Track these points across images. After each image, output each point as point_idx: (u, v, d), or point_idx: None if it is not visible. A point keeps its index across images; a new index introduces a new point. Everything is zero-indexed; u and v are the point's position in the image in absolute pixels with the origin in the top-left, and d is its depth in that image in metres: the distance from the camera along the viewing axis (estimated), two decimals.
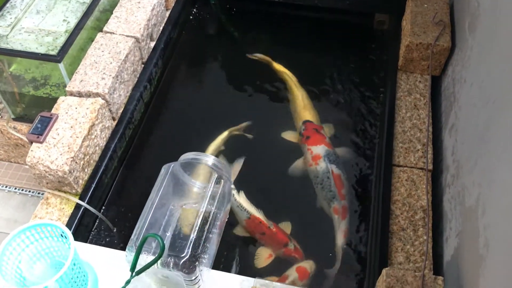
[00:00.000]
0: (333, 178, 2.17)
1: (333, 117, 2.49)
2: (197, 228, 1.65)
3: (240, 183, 2.22)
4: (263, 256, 2.08)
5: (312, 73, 2.72)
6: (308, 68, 2.74)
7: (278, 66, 2.68)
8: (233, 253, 2.07)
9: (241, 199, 2.16)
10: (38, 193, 2.68)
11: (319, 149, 2.26)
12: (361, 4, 2.78)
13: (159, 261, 1.53)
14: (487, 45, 1.84)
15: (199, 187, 1.94)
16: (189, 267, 1.59)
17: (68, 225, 1.98)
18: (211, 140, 2.36)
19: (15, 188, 2.67)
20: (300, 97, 2.50)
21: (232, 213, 2.14)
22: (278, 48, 2.88)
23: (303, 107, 2.45)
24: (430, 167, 2.12)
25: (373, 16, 2.88)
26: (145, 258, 1.60)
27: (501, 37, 1.70)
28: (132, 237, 1.66)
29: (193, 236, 1.62)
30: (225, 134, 2.40)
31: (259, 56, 2.74)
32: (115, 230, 2.11)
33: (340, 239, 2.07)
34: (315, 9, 2.91)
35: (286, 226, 2.13)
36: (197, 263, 1.60)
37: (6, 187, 2.66)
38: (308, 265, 2.04)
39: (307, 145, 2.31)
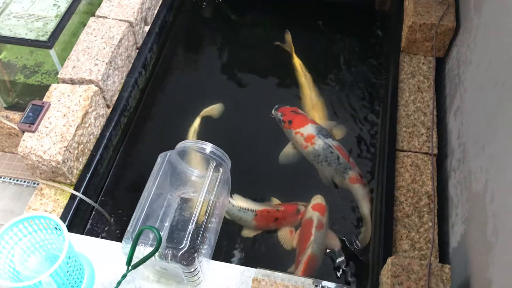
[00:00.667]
0: (337, 150, 2.14)
1: (334, 101, 2.42)
2: (195, 218, 1.59)
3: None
4: (287, 237, 2.02)
5: (312, 56, 2.64)
6: (308, 51, 2.66)
7: (296, 61, 2.55)
8: (234, 243, 2.01)
9: (239, 202, 2.08)
10: (34, 183, 2.62)
11: (309, 129, 2.22)
12: None
13: (156, 253, 1.48)
14: (494, 25, 1.77)
15: (197, 175, 1.88)
16: (188, 258, 1.54)
17: (63, 216, 1.93)
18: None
19: (10, 179, 2.61)
20: (310, 97, 2.40)
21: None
22: (276, 31, 2.80)
23: (312, 107, 2.36)
24: (435, 151, 2.06)
25: None
26: (142, 250, 1.55)
27: (510, 16, 1.62)
28: (128, 228, 1.61)
29: (191, 227, 1.56)
30: (197, 119, 2.34)
31: (283, 44, 2.63)
32: (112, 220, 2.06)
33: (366, 207, 2.04)
34: None
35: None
36: (196, 254, 1.54)
37: (0, 177, 2.60)
38: (319, 199, 2.05)
39: (293, 129, 2.24)
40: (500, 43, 1.66)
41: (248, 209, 2.05)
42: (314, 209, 2.03)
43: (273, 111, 2.37)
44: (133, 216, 1.63)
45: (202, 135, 2.26)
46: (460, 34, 2.21)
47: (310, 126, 2.23)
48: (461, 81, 2.05)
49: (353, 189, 2.08)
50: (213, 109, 2.40)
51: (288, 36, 2.63)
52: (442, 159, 2.10)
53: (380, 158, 2.14)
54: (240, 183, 1.96)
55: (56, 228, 1.62)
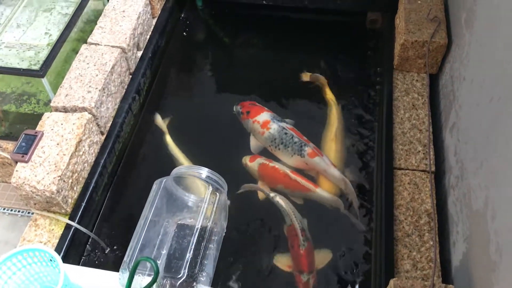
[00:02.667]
0: (291, 130, 2.23)
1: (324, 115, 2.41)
2: (193, 246, 1.57)
3: None
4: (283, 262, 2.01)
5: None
6: (299, 72, 2.65)
7: (329, 92, 2.47)
8: (232, 269, 1.98)
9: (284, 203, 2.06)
10: (28, 213, 2.58)
11: (264, 116, 2.30)
12: (352, 3, 2.70)
13: (154, 284, 1.45)
14: (487, 41, 1.77)
15: (194, 200, 1.86)
16: (187, 287, 1.51)
17: (59, 246, 1.89)
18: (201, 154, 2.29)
19: (4, 209, 2.57)
20: (334, 129, 2.30)
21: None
22: (267, 52, 2.81)
23: (332, 138, 2.27)
24: (433, 169, 2.05)
25: (365, 15, 2.80)
26: (139, 281, 1.52)
27: (503, 32, 1.63)
28: (125, 258, 1.58)
29: (189, 255, 1.54)
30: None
31: (314, 76, 2.55)
32: (108, 249, 2.02)
33: (334, 171, 2.13)
34: (305, 11, 2.84)
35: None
36: (194, 283, 1.51)
37: None
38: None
39: (250, 119, 2.33)
40: (493, 59, 1.66)
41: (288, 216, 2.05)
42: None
43: (234, 107, 2.45)
44: (130, 245, 1.61)
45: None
46: (452, 50, 2.21)
47: (265, 114, 2.32)
48: (455, 98, 2.05)
49: (315, 163, 2.14)
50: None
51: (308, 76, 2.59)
52: (440, 176, 2.08)
53: (378, 177, 2.12)
54: None
55: (51, 260, 1.59)
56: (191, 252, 1.54)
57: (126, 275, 1.54)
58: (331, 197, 2.09)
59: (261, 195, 2.14)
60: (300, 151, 2.16)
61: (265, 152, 2.29)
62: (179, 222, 1.84)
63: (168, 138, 2.34)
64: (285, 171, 2.15)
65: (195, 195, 1.84)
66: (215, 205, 1.72)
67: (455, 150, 1.96)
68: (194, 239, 1.58)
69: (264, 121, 2.27)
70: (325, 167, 2.13)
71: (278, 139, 2.21)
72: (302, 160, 2.16)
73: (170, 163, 2.22)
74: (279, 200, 2.06)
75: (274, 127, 2.23)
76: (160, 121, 2.41)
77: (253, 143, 2.32)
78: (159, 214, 1.74)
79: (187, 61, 2.81)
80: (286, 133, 2.20)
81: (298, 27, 2.90)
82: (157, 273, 1.32)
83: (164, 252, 1.76)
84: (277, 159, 2.23)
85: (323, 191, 2.10)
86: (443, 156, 2.10)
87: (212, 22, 2.95)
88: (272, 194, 2.08)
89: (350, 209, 2.09)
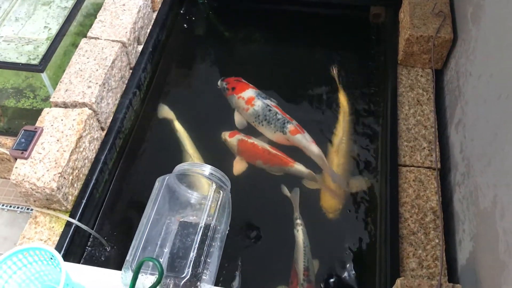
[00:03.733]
0: (274, 108, 2.27)
1: (332, 118, 2.38)
2: (196, 245, 1.54)
3: None
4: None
5: (306, 72, 2.60)
6: (302, 67, 2.62)
7: (342, 96, 2.42)
8: (236, 267, 1.95)
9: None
10: (27, 209, 2.55)
11: (249, 93, 2.35)
12: None
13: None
14: (494, 37, 1.74)
15: (197, 198, 1.84)
16: (190, 287, 1.48)
17: (59, 244, 1.86)
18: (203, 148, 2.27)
19: (3, 205, 2.54)
20: (338, 140, 2.25)
21: None
22: (268, 45, 2.77)
23: (335, 150, 2.23)
24: (438, 165, 2.02)
25: (368, 9, 2.77)
26: (142, 280, 1.50)
27: (510, 28, 1.60)
28: (127, 257, 1.55)
29: (193, 254, 1.51)
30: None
31: (333, 74, 2.50)
32: (109, 247, 1.99)
33: (315, 148, 2.16)
34: (309, 4, 2.80)
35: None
36: (198, 282, 1.49)
37: None
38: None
39: (235, 95, 2.37)
40: (502, 55, 1.63)
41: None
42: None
43: (218, 82, 2.49)
44: (132, 244, 1.58)
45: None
46: (458, 45, 2.18)
47: (250, 90, 2.36)
48: (461, 93, 2.02)
49: (296, 140, 2.19)
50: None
51: (334, 71, 2.52)
52: (445, 173, 2.06)
53: (382, 174, 2.10)
54: None
55: (51, 258, 1.56)
56: (195, 251, 1.52)
57: (129, 274, 1.52)
58: (307, 171, 2.14)
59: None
60: (283, 128, 2.21)
61: (249, 128, 2.33)
62: (181, 219, 1.82)
63: (177, 124, 2.33)
64: (264, 146, 2.20)
65: (198, 193, 1.81)
66: (219, 203, 1.69)
67: (461, 147, 1.93)
68: (197, 238, 1.55)
69: (248, 98, 2.32)
70: (305, 144, 2.18)
71: (261, 116, 2.26)
72: (284, 136, 2.22)
73: (172, 159, 2.19)
74: (299, 230, 1.99)
75: (258, 103, 2.28)
76: (167, 109, 2.40)
77: (237, 118, 2.36)
78: (161, 212, 1.71)
79: (187, 55, 2.77)
80: (270, 110, 2.25)
81: (301, 21, 2.86)
82: (161, 274, 1.29)
83: (167, 250, 1.73)
84: (260, 134, 2.28)
85: (300, 165, 2.15)
86: (448, 153, 2.08)
87: (213, 16, 2.91)
88: (298, 221, 2.01)
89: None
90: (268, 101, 2.30)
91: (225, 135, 2.29)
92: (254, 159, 2.21)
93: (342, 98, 2.40)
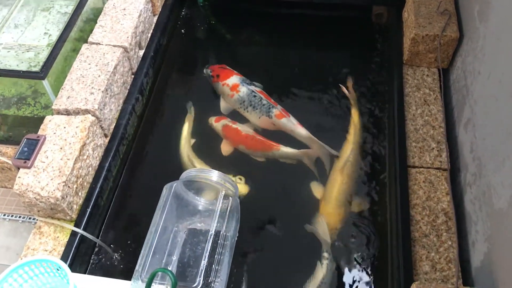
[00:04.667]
0: (260, 93, 2.30)
1: (338, 119, 2.34)
2: (207, 253, 1.51)
3: None
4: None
5: (310, 74, 2.57)
6: (304, 69, 2.59)
7: (355, 113, 2.30)
8: (245, 274, 1.91)
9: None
10: (30, 218, 2.51)
11: (233, 79, 2.38)
12: None
13: None
14: (505, 34, 1.72)
15: (205, 204, 1.81)
16: None
17: (65, 254, 1.82)
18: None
19: (4, 215, 2.50)
20: (344, 159, 2.12)
21: None
22: (270, 48, 2.74)
23: (339, 169, 2.10)
24: (448, 166, 2.00)
25: (371, 9, 2.74)
26: None
27: None
28: (137, 267, 1.52)
29: (204, 262, 1.48)
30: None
31: (347, 92, 2.39)
32: (115, 255, 1.95)
33: (303, 130, 2.20)
34: (310, 6, 2.77)
35: None
36: None
37: None
38: None
39: (220, 82, 2.40)
40: None
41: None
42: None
43: (204, 70, 2.51)
44: (141, 253, 1.55)
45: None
46: (464, 44, 2.16)
47: (235, 77, 2.39)
48: (469, 92, 2.00)
49: (282, 124, 2.23)
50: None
51: (350, 83, 2.43)
52: (454, 174, 2.03)
53: (391, 176, 2.07)
54: None
55: (58, 269, 1.53)
56: (206, 259, 1.49)
57: (139, 284, 1.48)
58: (295, 152, 2.15)
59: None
60: (268, 113, 2.25)
61: (234, 113, 2.36)
62: (189, 226, 1.78)
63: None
64: (248, 132, 2.23)
65: (206, 199, 1.78)
66: (228, 209, 1.66)
67: (471, 146, 1.90)
68: (208, 246, 1.52)
69: (233, 84, 2.35)
70: (292, 127, 2.22)
71: (247, 102, 2.30)
72: (270, 121, 2.26)
73: (177, 164, 2.16)
74: (323, 265, 1.90)
75: (243, 90, 2.32)
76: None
77: (223, 104, 2.40)
78: (169, 219, 1.68)
79: (189, 59, 2.74)
80: (255, 96, 2.29)
81: (302, 23, 2.83)
82: (174, 286, 1.26)
83: (175, 258, 1.71)
84: (245, 120, 2.31)
85: (286, 148, 2.16)
86: (457, 153, 2.05)
87: (214, 19, 2.88)
88: (325, 254, 1.92)
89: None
90: (252, 87, 2.34)
91: (212, 119, 2.34)
92: (237, 144, 2.24)
93: (355, 116, 2.29)
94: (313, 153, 2.17)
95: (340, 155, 2.14)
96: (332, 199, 2.04)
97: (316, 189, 2.10)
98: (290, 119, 2.23)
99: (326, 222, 2.00)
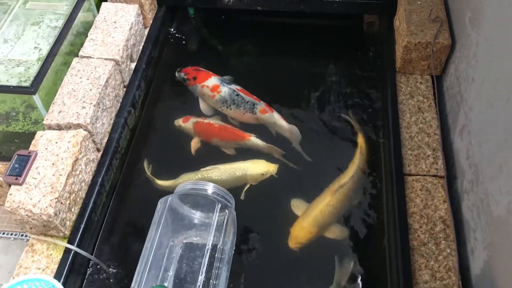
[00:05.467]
0: (241, 92, 2.34)
1: (332, 130, 2.33)
2: (204, 268, 1.48)
3: None
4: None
5: (302, 85, 2.55)
6: (297, 80, 2.58)
7: (361, 141, 2.22)
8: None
9: None
10: (22, 235, 2.47)
11: (212, 81, 2.40)
12: (350, 6, 2.63)
13: None
14: (497, 40, 1.72)
15: (201, 218, 1.78)
16: None
17: (58, 272, 1.79)
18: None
19: None
20: (339, 183, 2.05)
21: None
22: (263, 59, 2.73)
23: (332, 191, 2.03)
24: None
25: (362, 18, 2.75)
26: None
27: None
28: (132, 284, 1.49)
29: (201, 278, 1.45)
30: None
31: (350, 119, 2.33)
32: (110, 273, 1.91)
33: (284, 123, 2.27)
34: (302, 16, 2.77)
35: None
36: None
37: None
38: None
39: (198, 84, 2.42)
40: (508, 58, 1.60)
41: None
42: None
43: (176, 74, 2.50)
44: (137, 270, 1.52)
45: None
46: (457, 51, 2.16)
47: (213, 78, 2.41)
48: (463, 99, 1.99)
49: (266, 118, 2.30)
50: None
51: (351, 115, 2.34)
52: (450, 181, 2.02)
53: (388, 184, 2.05)
54: None
55: None
56: (203, 274, 1.46)
57: None
58: (264, 144, 2.21)
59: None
60: (252, 109, 2.31)
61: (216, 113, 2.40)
62: (185, 241, 1.76)
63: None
64: (220, 124, 2.28)
65: (202, 213, 1.75)
66: (225, 223, 1.63)
67: (467, 153, 1.90)
68: (205, 260, 1.49)
69: (213, 86, 2.37)
70: (274, 120, 2.29)
71: (229, 101, 2.33)
72: (254, 116, 2.32)
73: (171, 178, 2.13)
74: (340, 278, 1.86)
75: (224, 90, 2.35)
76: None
77: (203, 106, 2.42)
78: (165, 234, 1.65)
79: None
80: (237, 95, 2.33)
81: (293, 32, 2.83)
82: None
83: (171, 274, 1.68)
84: (225, 119, 2.35)
85: (257, 139, 2.22)
86: (453, 159, 2.04)
87: (205, 30, 2.87)
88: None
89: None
90: (233, 86, 2.37)
91: (178, 122, 2.34)
92: (211, 137, 2.28)
93: (361, 144, 2.20)
94: (279, 151, 2.22)
95: (338, 178, 2.08)
96: (311, 215, 1.97)
97: (296, 206, 2.04)
98: (273, 113, 2.30)
99: (295, 235, 1.93)
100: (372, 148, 2.22)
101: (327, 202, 2.00)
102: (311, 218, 1.97)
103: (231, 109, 2.34)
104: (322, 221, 1.96)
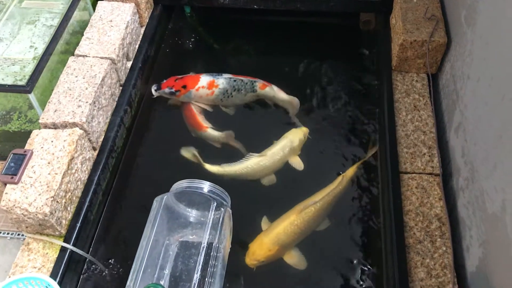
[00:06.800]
0: (237, 77, 2.38)
1: (329, 128, 2.33)
2: (200, 266, 1.48)
3: None
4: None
5: (299, 82, 2.55)
6: (294, 77, 2.58)
7: (351, 169, 2.13)
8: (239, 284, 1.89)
9: None
10: (18, 235, 2.46)
11: (205, 79, 2.37)
12: (346, 4, 2.63)
13: None
14: (492, 38, 1.72)
15: (197, 216, 1.78)
16: None
17: (54, 271, 1.79)
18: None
19: None
20: (308, 203, 1.98)
21: None
22: (259, 57, 2.73)
23: (299, 209, 1.95)
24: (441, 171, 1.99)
25: (358, 16, 2.75)
26: None
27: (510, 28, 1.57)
28: (128, 282, 1.49)
29: (196, 276, 1.45)
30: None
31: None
32: (106, 271, 1.91)
33: (283, 95, 2.37)
34: (298, 14, 2.77)
35: None
36: None
37: None
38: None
39: (192, 89, 2.35)
40: (503, 56, 1.61)
41: None
42: None
43: (154, 91, 2.36)
44: (133, 268, 1.52)
45: None
46: (452, 49, 2.16)
47: (203, 77, 2.37)
48: (459, 97, 2.00)
49: (266, 92, 2.38)
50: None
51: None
52: (446, 179, 2.03)
53: (384, 182, 2.05)
54: None
55: (47, 287, 1.50)
56: (199, 272, 1.46)
57: None
58: (219, 135, 2.26)
59: None
60: (252, 88, 2.36)
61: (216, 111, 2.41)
62: (181, 239, 1.76)
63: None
64: (193, 109, 2.34)
65: (198, 211, 1.75)
66: (220, 221, 1.63)
67: (463, 151, 1.90)
68: (201, 258, 1.49)
69: (208, 83, 2.35)
70: (274, 93, 2.38)
71: (230, 89, 2.35)
72: (254, 95, 2.39)
73: (167, 176, 2.12)
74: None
75: (221, 81, 2.35)
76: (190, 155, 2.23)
77: (200, 108, 2.39)
78: (160, 232, 1.65)
79: (177, 70, 2.71)
80: (235, 81, 2.35)
81: (290, 31, 2.83)
82: None
83: (167, 272, 1.68)
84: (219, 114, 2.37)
85: (213, 130, 2.27)
86: (449, 157, 2.04)
87: (202, 29, 2.87)
88: None
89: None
90: (225, 74, 2.38)
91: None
92: (185, 114, 2.37)
93: (349, 171, 2.12)
94: (232, 137, 2.26)
95: (310, 198, 2.00)
96: (273, 231, 1.89)
97: (265, 222, 1.99)
98: (272, 87, 2.38)
99: (253, 251, 1.85)
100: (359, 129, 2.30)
101: (291, 220, 1.90)
102: (273, 235, 1.87)
103: (232, 96, 2.35)
104: (284, 239, 1.87)
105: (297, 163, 2.17)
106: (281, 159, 2.14)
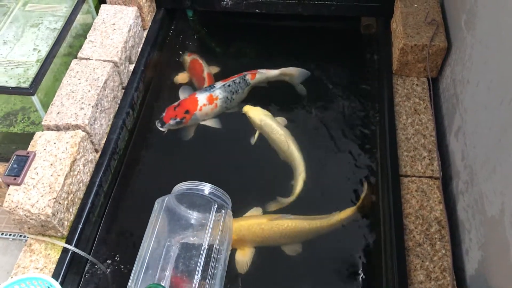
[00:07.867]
0: (227, 81, 2.42)
1: (329, 131, 2.35)
2: (200, 267, 1.49)
3: None
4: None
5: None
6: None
7: (344, 213, 2.02)
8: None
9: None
10: (20, 236, 2.49)
11: (203, 96, 2.37)
12: (347, 9, 2.65)
13: None
14: (492, 42, 1.73)
15: (198, 218, 1.79)
16: None
17: (56, 272, 1.80)
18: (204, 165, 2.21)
19: None
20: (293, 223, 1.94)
21: None
22: (261, 61, 2.74)
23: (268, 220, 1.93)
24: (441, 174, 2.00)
25: (359, 20, 2.77)
26: None
27: (510, 33, 1.59)
28: (129, 283, 1.51)
29: (197, 277, 1.46)
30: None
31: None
32: (108, 272, 1.93)
33: (274, 71, 2.47)
34: (299, 18, 2.79)
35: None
36: None
37: None
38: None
39: (196, 111, 2.34)
40: (502, 60, 1.62)
41: None
42: None
43: (160, 128, 2.33)
44: (134, 269, 1.53)
45: None
46: (452, 53, 2.17)
47: (200, 94, 2.37)
48: (459, 101, 2.01)
49: (258, 79, 2.47)
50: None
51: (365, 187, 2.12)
52: (446, 182, 2.04)
53: (384, 185, 2.06)
54: None
55: (49, 287, 1.51)
56: (199, 274, 1.47)
57: None
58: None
59: None
60: (246, 83, 2.43)
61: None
62: (182, 241, 1.77)
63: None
64: (205, 70, 2.55)
65: (199, 213, 1.76)
66: (221, 223, 1.64)
67: (462, 154, 1.91)
68: (201, 260, 1.50)
69: (208, 99, 2.36)
70: (265, 76, 2.48)
71: (229, 95, 2.39)
72: (250, 87, 2.46)
73: (169, 178, 2.14)
74: None
75: (218, 92, 2.38)
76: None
77: (210, 122, 2.40)
78: (162, 234, 1.67)
79: (178, 70, 2.73)
80: (229, 85, 2.40)
81: (291, 35, 2.85)
82: None
83: (168, 273, 1.69)
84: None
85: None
86: (449, 161, 2.06)
87: (204, 32, 2.89)
88: None
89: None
90: (218, 83, 2.41)
91: (185, 56, 2.66)
92: (193, 77, 2.55)
93: (342, 216, 2.01)
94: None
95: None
96: (239, 222, 1.89)
97: (252, 213, 1.99)
98: (261, 71, 2.46)
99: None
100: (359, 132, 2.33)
101: (260, 222, 1.91)
102: (237, 224, 1.88)
103: (233, 99, 2.40)
104: (244, 234, 1.87)
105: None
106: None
